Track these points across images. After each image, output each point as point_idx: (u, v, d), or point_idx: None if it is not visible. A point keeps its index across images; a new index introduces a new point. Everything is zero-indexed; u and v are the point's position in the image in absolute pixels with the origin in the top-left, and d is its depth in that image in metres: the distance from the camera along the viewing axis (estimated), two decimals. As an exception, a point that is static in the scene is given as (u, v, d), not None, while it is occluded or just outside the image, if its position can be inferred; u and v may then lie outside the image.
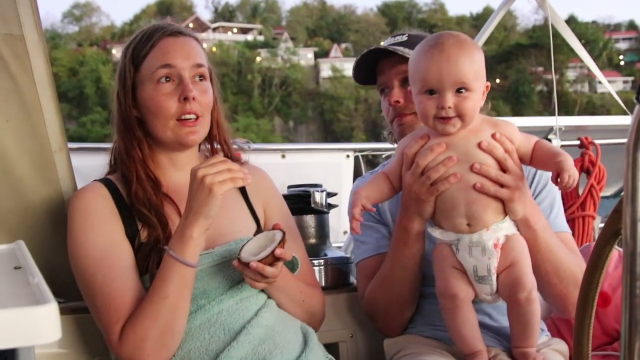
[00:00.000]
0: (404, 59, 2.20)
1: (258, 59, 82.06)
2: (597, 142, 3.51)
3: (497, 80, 79.37)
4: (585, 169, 3.47)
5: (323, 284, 2.49)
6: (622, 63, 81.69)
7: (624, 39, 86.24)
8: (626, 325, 1.08)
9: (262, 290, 1.98)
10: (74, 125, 77.42)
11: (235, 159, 2.16)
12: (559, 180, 1.80)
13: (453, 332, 1.98)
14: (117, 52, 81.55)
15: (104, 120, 76.58)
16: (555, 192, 2.24)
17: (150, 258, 1.91)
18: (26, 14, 2.12)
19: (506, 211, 1.91)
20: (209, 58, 2.12)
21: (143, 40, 2.02)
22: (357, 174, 3.63)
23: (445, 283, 1.94)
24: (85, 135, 79.68)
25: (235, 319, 1.91)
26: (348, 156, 3.64)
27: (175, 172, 2.08)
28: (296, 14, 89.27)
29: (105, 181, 2.04)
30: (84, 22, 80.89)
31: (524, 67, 74.90)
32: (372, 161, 3.87)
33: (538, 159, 1.93)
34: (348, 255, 2.69)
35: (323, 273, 2.55)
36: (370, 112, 79.20)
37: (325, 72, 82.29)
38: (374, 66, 2.35)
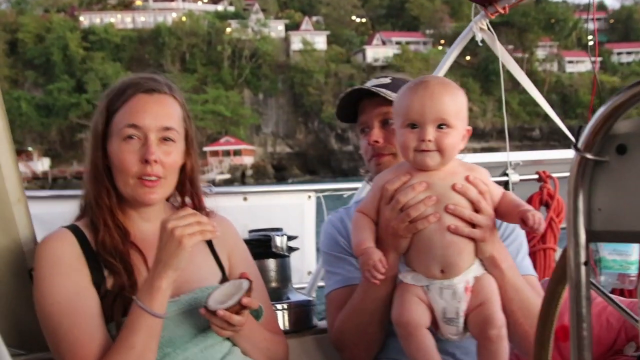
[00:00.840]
0: (386, 101, 2.26)
1: (228, 30, 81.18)
2: (554, 175, 3.58)
3: (467, 58, 79.63)
4: (544, 203, 3.54)
5: (287, 327, 2.53)
6: (590, 43, 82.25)
7: (593, 19, 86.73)
8: (575, 357, 1.13)
9: (227, 338, 2.01)
10: (40, 93, 76.15)
11: (203, 208, 2.18)
12: (525, 223, 1.87)
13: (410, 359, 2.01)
14: (84, 19, 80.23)
15: (71, 88, 75.44)
16: (521, 237, 2.30)
17: (115, 305, 1.93)
18: None
19: (476, 251, 1.95)
20: (184, 115, 2.10)
21: (118, 94, 2.03)
22: (318, 214, 3.66)
23: (402, 308, 1.95)
24: (52, 103, 78.36)
25: None
26: (310, 197, 3.67)
27: (143, 222, 2.10)
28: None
29: (72, 228, 2.05)
30: (50, -12, 79.02)
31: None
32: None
33: (503, 209, 1.97)
34: (310, 298, 2.73)
35: (286, 316, 2.58)
36: (340, 86, 78.97)
37: (296, 45, 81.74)
38: (356, 105, 2.39)
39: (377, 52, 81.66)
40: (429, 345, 1.95)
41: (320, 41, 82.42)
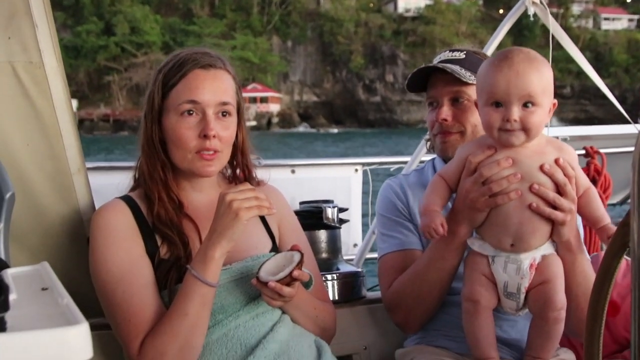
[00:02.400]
0: (457, 79, 2.24)
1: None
2: (602, 150, 3.54)
3: (501, 11, 78.06)
4: (591, 179, 3.51)
5: (336, 298, 2.59)
6: (628, 0, 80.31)
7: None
8: (636, 334, 1.14)
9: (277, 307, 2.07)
10: (69, 35, 76.02)
11: (254, 179, 2.24)
12: (604, 239, 1.92)
13: (470, 336, 2.05)
14: (114, -40, 79.47)
15: (100, 31, 75.26)
16: (579, 219, 2.25)
17: (170, 275, 2.00)
18: (45, 41, 2.17)
19: (553, 233, 1.95)
20: (236, 88, 2.13)
21: (174, 69, 2.06)
22: (365, 187, 3.68)
23: (472, 288, 2.00)
24: (80, 45, 78.25)
25: (251, 334, 2.00)
26: (357, 170, 3.69)
27: (195, 193, 2.15)
28: None
29: (126, 199, 2.11)
30: None
31: (528, -2, 73.45)
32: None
33: (587, 206, 1.97)
34: (359, 269, 2.78)
35: (336, 287, 2.63)
36: (370, 36, 78.09)
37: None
38: (426, 76, 2.37)
39: (409, 2, 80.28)
40: (490, 328, 2.01)
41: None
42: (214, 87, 2.04)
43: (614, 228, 1.88)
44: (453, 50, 2.40)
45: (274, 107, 74.65)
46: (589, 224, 2.00)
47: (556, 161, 1.91)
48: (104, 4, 75.02)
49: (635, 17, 77.55)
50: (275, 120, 73.30)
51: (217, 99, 2.03)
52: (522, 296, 1.97)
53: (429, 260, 2.16)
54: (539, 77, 1.88)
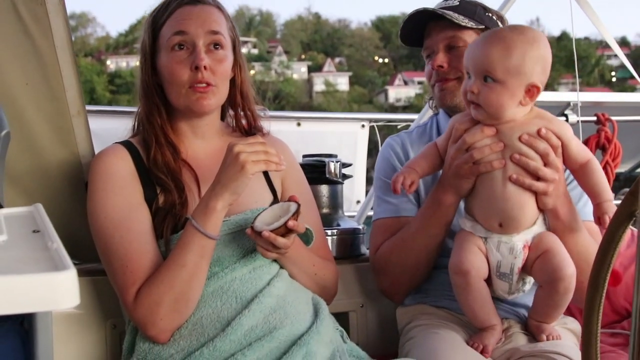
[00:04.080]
0: (453, 24, 2.22)
1: (252, 72, 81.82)
2: (613, 118, 3.49)
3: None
4: (600, 146, 3.46)
5: (334, 254, 2.49)
6: (614, 80, 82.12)
7: (615, 56, 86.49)
8: (637, 304, 1.10)
9: (275, 261, 1.99)
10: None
11: (258, 128, 2.18)
12: (598, 221, 1.85)
13: (465, 309, 1.98)
14: (111, 63, 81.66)
15: (98, 131, 76.75)
16: None
17: (165, 222, 1.92)
18: None
19: (537, 202, 1.91)
20: (230, 25, 2.10)
21: (161, 10, 2.04)
22: (371, 143, 3.64)
23: (460, 258, 1.94)
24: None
25: (247, 287, 1.91)
26: (363, 126, 3.65)
27: (195, 139, 2.09)
28: (291, 28, 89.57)
29: (126, 144, 2.05)
30: (79, 32, 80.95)
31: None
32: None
33: (584, 179, 1.93)
34: (360, 226, 2.70)
35: (335, 243, 2.56)
36: (363, 126, 79.49)
37: (319, 86, 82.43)
38: (422, 28, 2.34)
39: (399, 92, 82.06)
40: (486, 296, 1.94)
41: (342, 82, 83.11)
42: (202, 17, 2.01)
43: (612, 206, 1.84)
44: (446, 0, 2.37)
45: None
46: (590, 197, 1.94)
47: (538, 131, 1.88)
48: (101, 105, 76.36)
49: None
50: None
51: (205, 28, 1.99)
52: (515, 277, 1.92)
53: (415, 229, 2.11)
54: (505, 54, 1.84)
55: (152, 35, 2.03)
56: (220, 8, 2.09)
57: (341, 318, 2.25)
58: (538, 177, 1.88)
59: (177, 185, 1.97)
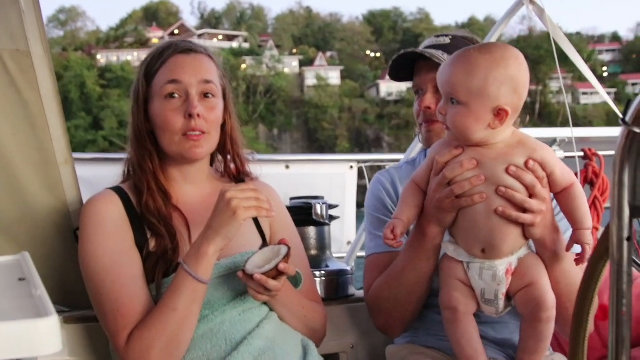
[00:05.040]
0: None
1: (243, 66, 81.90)
2: (600, 153, 3.50)
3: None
4: (589, 181, 3.45)
5: (323, 295, 2.52)
6: (605, 75, 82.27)
7: (607, 51, 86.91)
8: (613, 342, 1.10)
9: (265, 303, 2.01)
10: (57, 131, 76.63)
11: (247, 173, 2.21)
12: (577, 247, 1.84)
13: (454, 344, 1.97)
14: (101, 57, 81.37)
15: (88, 125, 76.15)
16: None
17: (157, 267, 1.95)
18: (32, 29, 2.17)
19: (524, 233, 1.88)
20: (220, 74, 2.13)
21: (155, 57, 2.07)
22: (360, 185, 3.66)
23: (449, 295, 1.93)
24: (70, 140, 78.58)
25: (237, 329, 1.94)
26: (352, 167, 3.68)
27: (186, 184, 2.12)
28: (282, 22, 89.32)
29: (117, 189, 2.08)
30: (69, 26, 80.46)
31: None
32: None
33: (566, 203, 1.88)
34: (348, 267, 2.72)
35: (324, 284, 2.58)
36: (354, 121, 79.28)
37: (310, 80, 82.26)
38: (411, 65, 2.32)
39: (390, 86, 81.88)
40: (473, 332, 1.93)
41: (334, 76, 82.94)
42: (195, 67, 2.05)
43: (587, 235, 1.82)
44: (439, 36, 2.33)
45: (262, 195, 74.70)
46: (570, 223, 1.89)
47: (525, 163, 1.83)
48: (92, 99, 76.10)
49: (613, 90, 79.32)
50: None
51: (199, 77, 2.03)
52: (501, 302, 1.90)
53: (403, 263, 2.09)
54: (468, 75, 1.79)
55: (145, 82, 2.06)
56: (211, 57, 2.13)
57: (331, 359, 2.25)
58: (524, 209, 1.84)
59: (169, 231, 2.00)
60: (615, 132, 4.03)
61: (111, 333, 1.91)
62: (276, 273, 1.85)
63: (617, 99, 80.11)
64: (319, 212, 2.62)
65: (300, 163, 3.57)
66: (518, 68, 1.81)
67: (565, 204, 1.88)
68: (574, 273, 1.94)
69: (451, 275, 1.93)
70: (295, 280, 2.02)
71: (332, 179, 3.61)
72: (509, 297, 1.92)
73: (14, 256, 1.54)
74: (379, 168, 3.74)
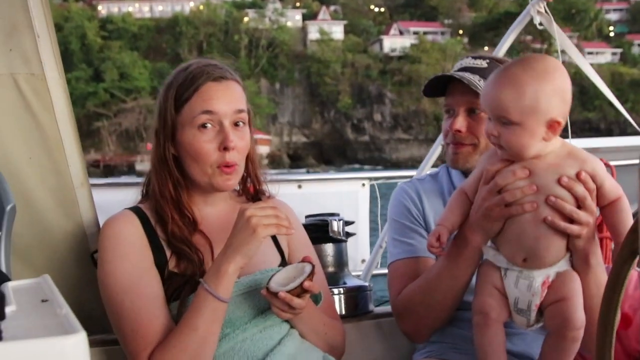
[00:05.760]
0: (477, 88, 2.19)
1: (245, 19, 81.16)
2: (612, 163, 3.50)
3: (485, 48, 78.94)
4: None
5: (342, 312, 2.54)
6: (611, 34, 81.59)
7: (614, 10, 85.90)
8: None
9: (286, 320, 2.03)
10: (58, 82, 76.24)
11: (263, 192, 2.22)
12: None
13: (479, 349, 1.98)
14: (102, 8, 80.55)
15: (89, 77, 75.71)
16: None
17: (183, 289, 1.96)
18: (47, 53, 2.18)
19: (569, 245, 1.89)
20: (247, 97, 2.13)
21: (186, 83, 2.03)
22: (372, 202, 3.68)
23: (483, 300, 1.94)
24: (70, 92, 77.68)
25: (258, 347, 1.95)
26: (364, 185, 3.69)
27: (207, 207, 2.12)
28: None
29: (135, 209, 2.08)
30: (68, -23, 79.26)
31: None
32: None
33: (610, 216, 1.89)
34: (366, 284, 2.73)
35: (343, 301, 2.59)
36: (357, 76, 78.83)
37: (313, 34, 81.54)
38: (445, 82, 2.32)
39: (394, 42, 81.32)
40: (500, 342, 1.94)
41: (337, 31, 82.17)
42: (228, 97, 2.03)
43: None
44: (476, 58, 2.33)
45: (264, 149, 74.56)
46: (612, 236, 1.92)
47: (578, 175, 1.84)
48: (93, 50, 75.54)
49: (618, 50, 78.77)
50: (265, 162, 72.65)
51: (232, 108, 2.02)
52: (533, 314, 1.90)
53: (441, 268, 2.10)
54: (517, 96, 1.80)
55: (174, 108, 2.03)
56: (239, 82, 2.11)
57: (352, 376, 2.28)
58: (572, 220, 1.84)
59: (197, 255, 2.01)
60: (626, 141, 4.04)
61: (131, 354, 1.92)
62: (300, 291, 1.86)
63: (623, 59, 79.75)
64: (335, 229, 2.63)
65: (313, 182, 3.59)
66: (562, 77, 1.83)
67: (611, 217, 1.89)
68: None
69: (487, 281, 1.94)
70: (315, 298, 2.03)
71: (344, 197, 3.64)
72: (540, 311, 1.93)
73: (35, 279, 1.56)
74: (390, 185, 3.75)
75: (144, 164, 70.47)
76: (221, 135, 1.99)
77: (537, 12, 3.43)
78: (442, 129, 2.35)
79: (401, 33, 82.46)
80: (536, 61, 1.85)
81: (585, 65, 3.48)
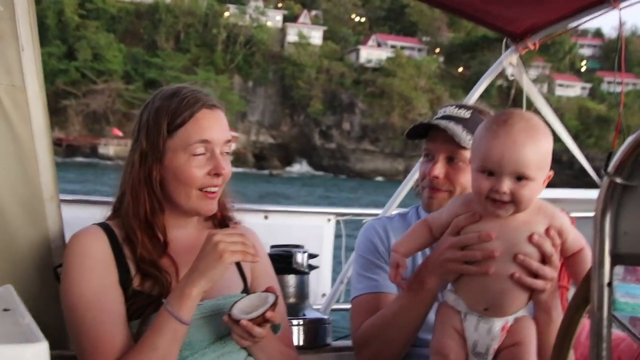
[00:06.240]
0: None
1: (226, 14, 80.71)
2: (572, 214, 3.57)
3: (460, 69, 79.72)
4: None
5: (301, 344, 2.59)
6: (583, 69, 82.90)
7: (588, 45, 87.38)
8: None
9: (244, 347, 2.06)
10: (29, 56, 74.68)
11: (230, 218, 2.25)
12: None
13: None
14: (82, -16, 79.26)
15: (62, 54, 74.50)
16: None
17: (147, 308, 1.98)
18: (29, 66, 2.18)
19: (532, 298, 1.93)
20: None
21: (181, 108, 2.05)
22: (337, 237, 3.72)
23: (442, 341, 1.96)
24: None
25: None
26: (329, 220, 3.74)
27: (179, 230, 2.15)
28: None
29: (103, 226, 2.09)
30: (49, -49, 77.95)
31: (487, 60, 75.22)
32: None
33: (574, 266, 1.94)
34: (326, 317, 2.78)
35: (302, 332, 2.63)
36: (330, 83, 78.87)
37: (292, 36, 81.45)
38: (426, 127, 2.36)
39: (371, 53, 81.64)
40: None
41: (316, 36, 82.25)
42: (221, 126, 2.09)
43: None
44: (460, 107, 2.38)
45: (230, 146, 74.17)
46: (574, 281, 1.98)
47: (547, 231, 1.88)
48: (69, 28, 74.38)
49: (588, 85, 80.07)
50: (230, 159, 72.79)
51: (224, 137, 2.08)
52: (490, 357, 1.95)
53: (397, 306, 2.15)
54: (535, 151, 1.82)
55: (167, 131, 2.04)
56: (223, 110, 2.15)
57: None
58: (536, 275, 1.88)
59: (165, 277, 2.03)
60: (585, 194, 4.14)
61: None
62: (262, 320, 1.90)
63: (592, 94, 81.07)
64: (299, 260, 2.68)
65: (279, 214, 3.62)
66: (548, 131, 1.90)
67: (573, 267, 1.96)
68: None
69: (447, 322, 1.97)
70: (274, 327, 2.07)
71: (310, 230, 3.68)
72: (495, 354, 1.97)
73: None
74: (356, 222, 3.79)
75: (107, 148, 69.89)
76: (212, 162, 2.04)
77: (510, 64, 3.51)
78: (420, 172, 2.41)
79: (379, 45, 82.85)
80: (531, 119, 1.88)
81: (550, 116, 3.58)
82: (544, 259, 1.89)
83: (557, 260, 1.91)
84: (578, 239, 1.95)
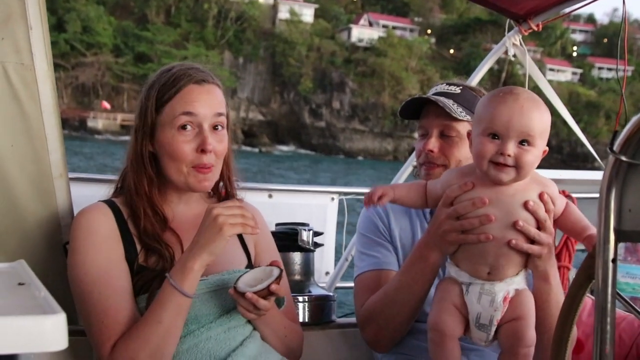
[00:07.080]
0: (449, 113, 2.30)
1: (218, -11, 79.93)
2: (573, 195, 3.60)
3: (451, 51, 79.48)
4: None
5: (306, 320, 2.63)
6: (574, 54, 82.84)
7: (580, 31, 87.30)
8: (597, 358, 1.21)
9: (249, 322, 2.11)
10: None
11: (234, 195, 2.28)
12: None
13: None
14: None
15: (51, 26, 71.21)
16: None
17: (153, 282, 2.02)
18: (38, 44, 2.20)
19: (528, 265, 1.99)
20: (225, 101, 2.18)
21: (168, 84, 2.09)
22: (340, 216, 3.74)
23: (438, 316, 1.99)
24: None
25: (221, 347, 2.03)
26: (333, 199, 3.75)
27: (181, 205, 2.19)
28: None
29: (109, 202, 2.13)
30: None
31: (479, 42, 75.09)
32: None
33: (566, 224, 2.01)
34: (331, 294, 2.82)
35: (307, 309, 2.68)
36: (321, 61, 78.45)
37: (283, 13, 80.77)
38: (420, 105, 2.42)
39: (362, 32, 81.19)
40: (456, 357, 2.02)
41: (307, 13, 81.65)
42: (209, 100, 2.09)
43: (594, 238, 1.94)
44: (450, 84, 2.45)
45: (219, 122, 73.78)
46: (575, 238, 2.03)
47: (540, 196, 1.94)
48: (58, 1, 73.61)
49: (579, 71, 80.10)
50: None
51: (212, 111, 2.08)
52: (494, 328, 1.97)
53: (399, 282, 2.19)
54: (540, 119, 1.89)
55: (155, 108, 2.08)
56: (219, 86, 2.17)
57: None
58: (533, 240, 1.94)
59: (168, 251, 2.08)
60: (588, 174, 4.17)
61: (96, 343, 1.98)
62: (267, 293, 1.94)
63: (582, 80, 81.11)
64: (304, 238, 2.71)
65: (283, 192, 3.63)
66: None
67: (566, 223, 2.02)
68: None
69: (446, 298, 2.00)
70: (279, 301, 2.12)
71: (313, 209, 3.69)
72: (496, 328, 2.02)
73: (10, 263, 1.58)
74: (359, 201, 3.81)
75: (96, 121, 69.43)
76: (200, 137, 2.06)
77: (513, 44, 3.54)
78: (416, 150, 2.46)
79: (370, 24, 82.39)
80: (534, 94, 1.96)
81: (553, 97, 3.61)
82: (539, 225, 1.95)
83: (551, 226, 1.97)
84: (561, 200, 2.02)
